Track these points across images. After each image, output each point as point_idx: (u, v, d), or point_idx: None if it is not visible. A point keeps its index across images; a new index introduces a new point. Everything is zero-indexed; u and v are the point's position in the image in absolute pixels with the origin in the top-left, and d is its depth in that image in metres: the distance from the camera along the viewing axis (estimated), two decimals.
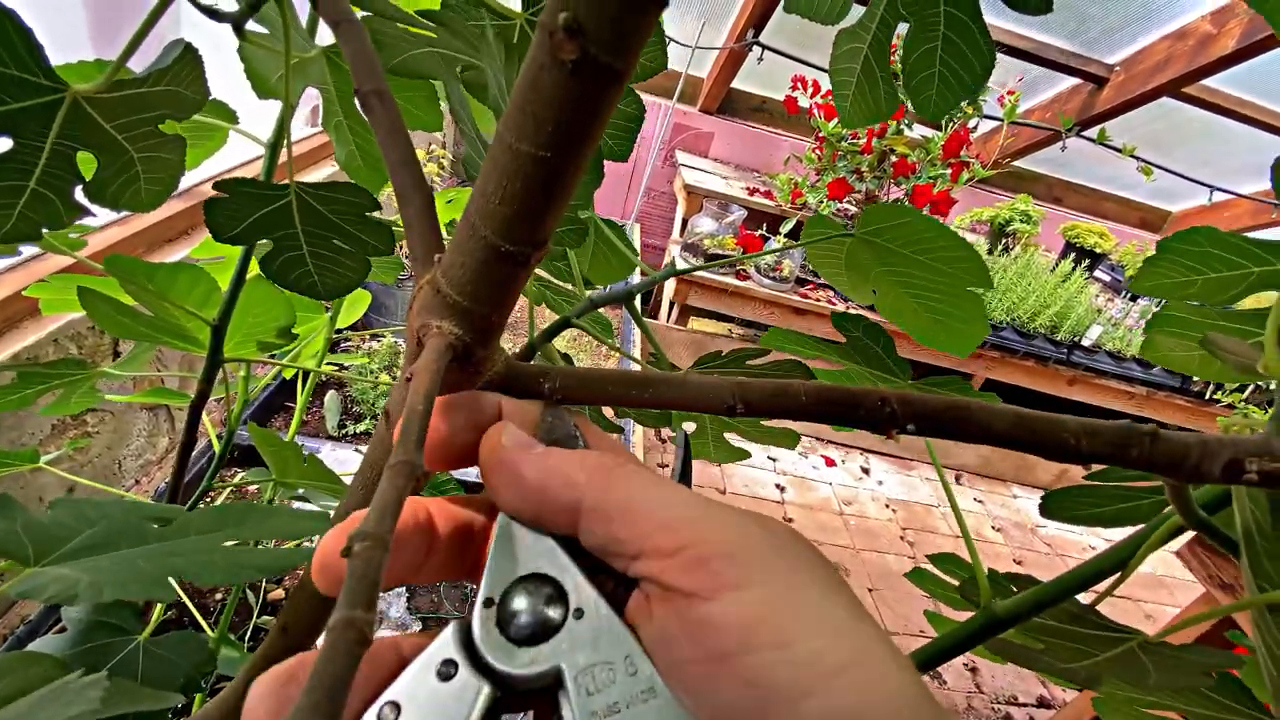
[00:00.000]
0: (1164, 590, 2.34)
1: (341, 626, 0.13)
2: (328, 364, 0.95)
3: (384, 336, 1.59)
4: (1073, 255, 2.67)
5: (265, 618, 0.96)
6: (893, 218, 0.35)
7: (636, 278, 0.47)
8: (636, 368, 0.30)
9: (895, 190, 2.42)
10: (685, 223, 2.68)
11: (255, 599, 0.96)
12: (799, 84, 2.42)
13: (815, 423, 0.22)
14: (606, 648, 0.17)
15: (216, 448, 0.68)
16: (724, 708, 0.15)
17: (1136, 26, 2.27)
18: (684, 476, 0.25)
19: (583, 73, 0.16)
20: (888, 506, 2.38)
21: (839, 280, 0.39)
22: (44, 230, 0.40)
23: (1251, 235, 0.28)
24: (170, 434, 1.15)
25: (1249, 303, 0.29)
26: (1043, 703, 1.79)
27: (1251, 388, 2.22)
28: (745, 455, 0.57)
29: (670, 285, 2.57)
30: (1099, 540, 2.53)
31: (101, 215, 1.00)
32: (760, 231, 2.50)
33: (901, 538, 2.25)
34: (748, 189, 2.74)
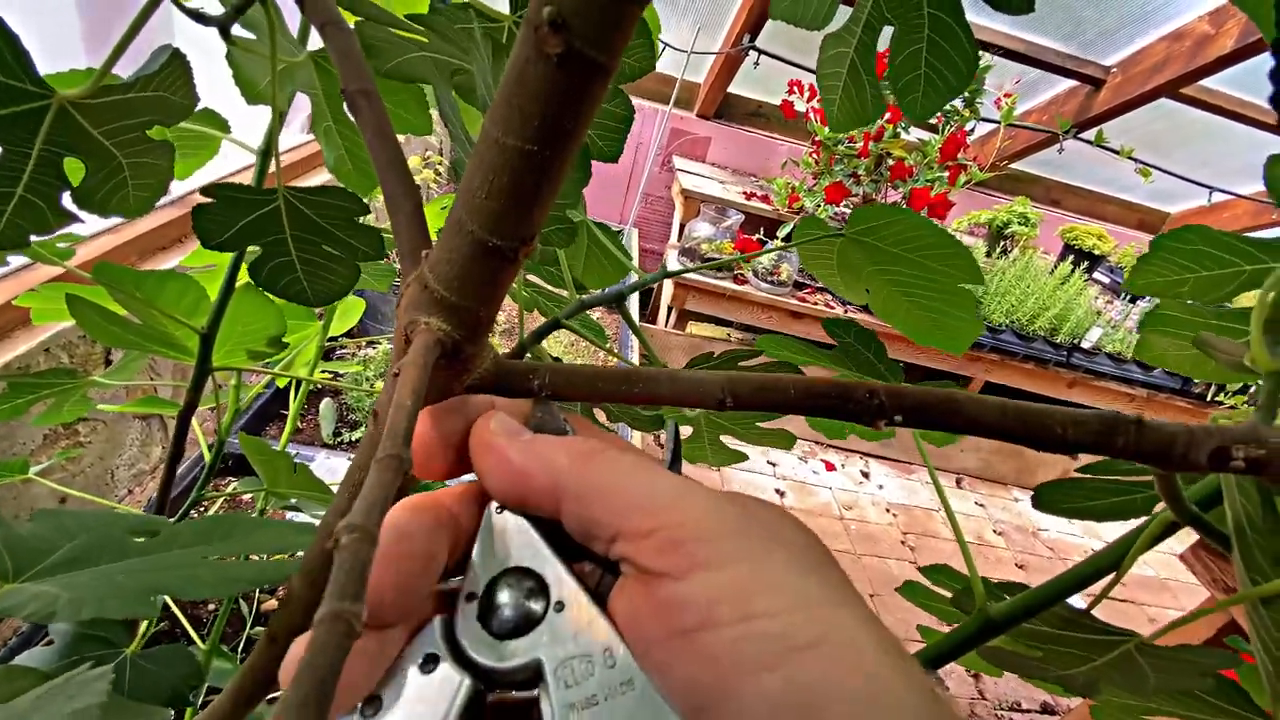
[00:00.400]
0: (1167, 594, 2.32)
1: (330, 619, 0.13)
2: (322, 372, 0.94)
3: (380, 344, 1.58)
4: (1071, 257, 2.66)
5: (259, 629, 0.96)
6: (882, 217, 0.35)
7: (633, 280, 0.47)
8: None
9: (893, 194, 2.42)
10: (683, 228, 2.68)
11: (248, 610, 0.95)
12: (795, 88, 2.42)
13: (804, 415, 0.21)
14: (586, 640, 0.17)
15: (207, 457, 0.67)
16: (687, 684, 0.15)
17: (1133, 28, 2.27)
18: (673, 467, 0.24)
19: (568, 66, 0.16)
20: (888, 511, 2.37)
21: (832, 281, 0.39)
22: (31, 237, 0.39)
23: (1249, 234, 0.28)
24: (164, 443, 1.14)
25: (1244, 300, 0.29)
26: (1046, 709, 1.77)
27: (1253, 389, 2.21)
28: (742, 458, 0.57)
29: (668, 290, 2.57)
30: (1101, 543, 2.51)
31: (94, 223, 0.99)
32: (758, 236, 2.50)
33: (902, 542, 2.24)
34: (745, 193, 2.74)
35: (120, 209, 0.46)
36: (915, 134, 2.49)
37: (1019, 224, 2.72)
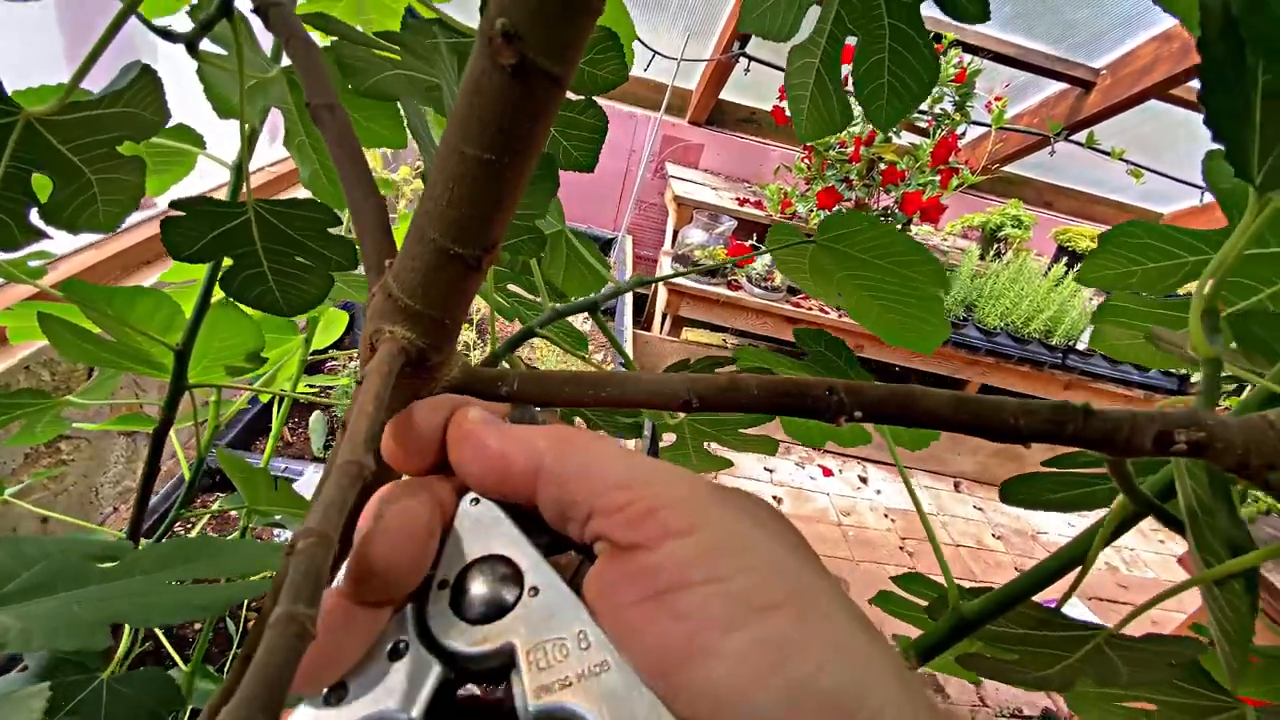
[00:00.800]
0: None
1: (284, 621, 0.13)
2: (309, 386, 0.93)
3: None
4: (1065, 259, 2.66)
5: (244, 644, 0.94)
6: (849, 225, 0.36)
7: (608, 288, 0.46)
8: None
9: (885, 198, 2.43)
10: (676, 234, 2.68)
11: (235, 628, 0.94)
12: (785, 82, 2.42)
13: (768, 414, 0.22)
14: (560, 624, 0.17)
15: (187, 475, 0.66)
16: (655, 645, 0.15)
17: (1122, 30, 2.28)
18: None
19: (522, 77, 0.16)
20: (886, 516, 2.36)
21: (806, 285, 0.40)
22: None
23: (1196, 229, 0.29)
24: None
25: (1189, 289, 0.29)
26: (1048, 714, 1.76)
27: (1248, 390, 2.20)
28: (726, 464, 0.56)
29: (662, 297, 2.57)
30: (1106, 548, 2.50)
31: (76, 239, 0.99)
32: (751, 241, 2.49)
33: (901, 548, 2.22)
34: (738, 199, 2.74)
35: (89, 225, 0.45)
36: (907, 138, 2.49)
37: (1012, 226, 2.72)
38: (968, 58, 2.25)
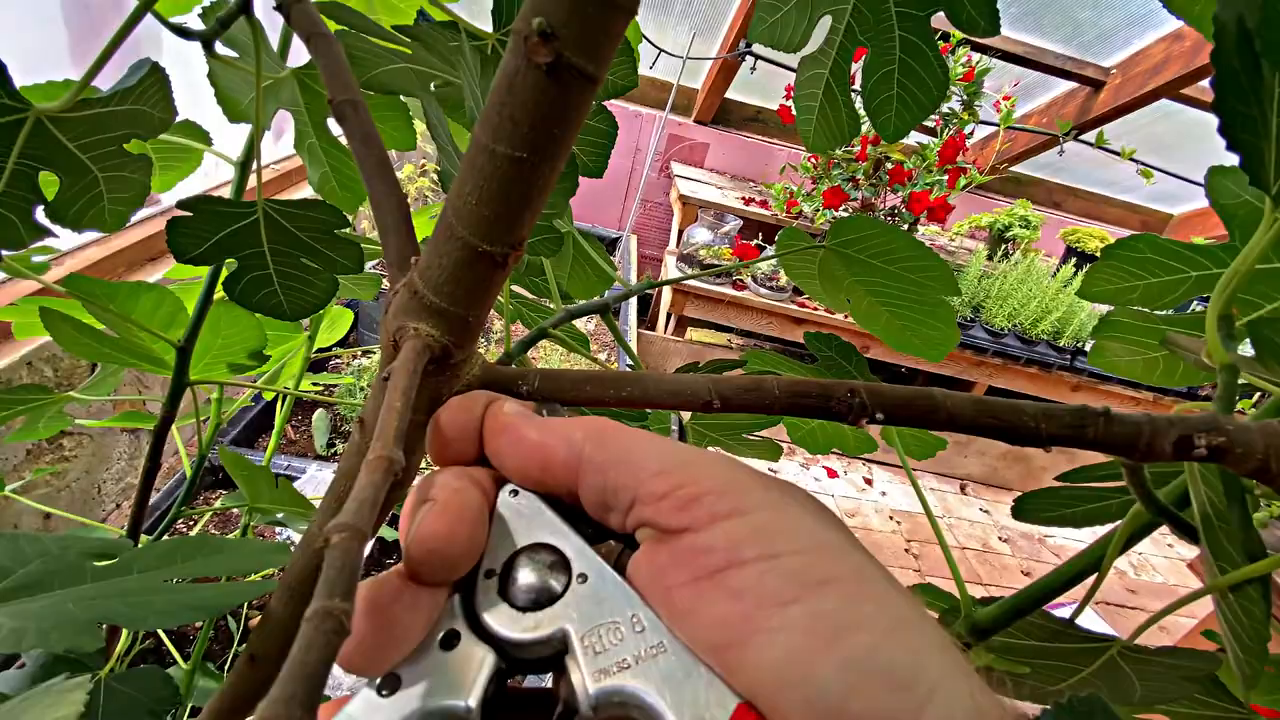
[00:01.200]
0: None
1: (320, 616, 0.13)
2: (312, 383, 0.93)
3: (374, 353, 1.58)
4: (1074, 260, 2.64)
5: (247, 644, 0.94)
6: (861, 229, 0.36)
7: (619, 290, 0.46)
8: None
9: (891, 197, 2.41)
10: (681, 233, 2.67)
11: (236, 625, 0.94)
12: (792, 93, 2.42)
13: (789, 415, 0.22)
14: (612, 608, 0.17)
15: (188, 473, 0.66)
16: (714, 623, 0.16)
17: (1132, 29, 2.26)
18: None
19: (556, 75, 0.16)
20: (891, 518, 2.35)
21: (813, 289, 0.39)
22: (2, 253, 0.39)
23: (1199, 242, 0.29)
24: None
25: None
26: None
27: (1257, 395, 2.18)
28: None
29: (667, 296, 2.56)
30: None
31: (82, 235, 0.99)
32: (756, 241, 2.49)
33: (906, 550, 2.21)
34: (743, 199, 2.73)
35: (95, 224, 0.45)
36: (914, 138, 2.48)
37: (1020, 227, 2.70)
38: (976, 56, 2.24)
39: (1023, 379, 2.48)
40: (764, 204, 2.71)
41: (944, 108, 2.29)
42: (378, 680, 0.16)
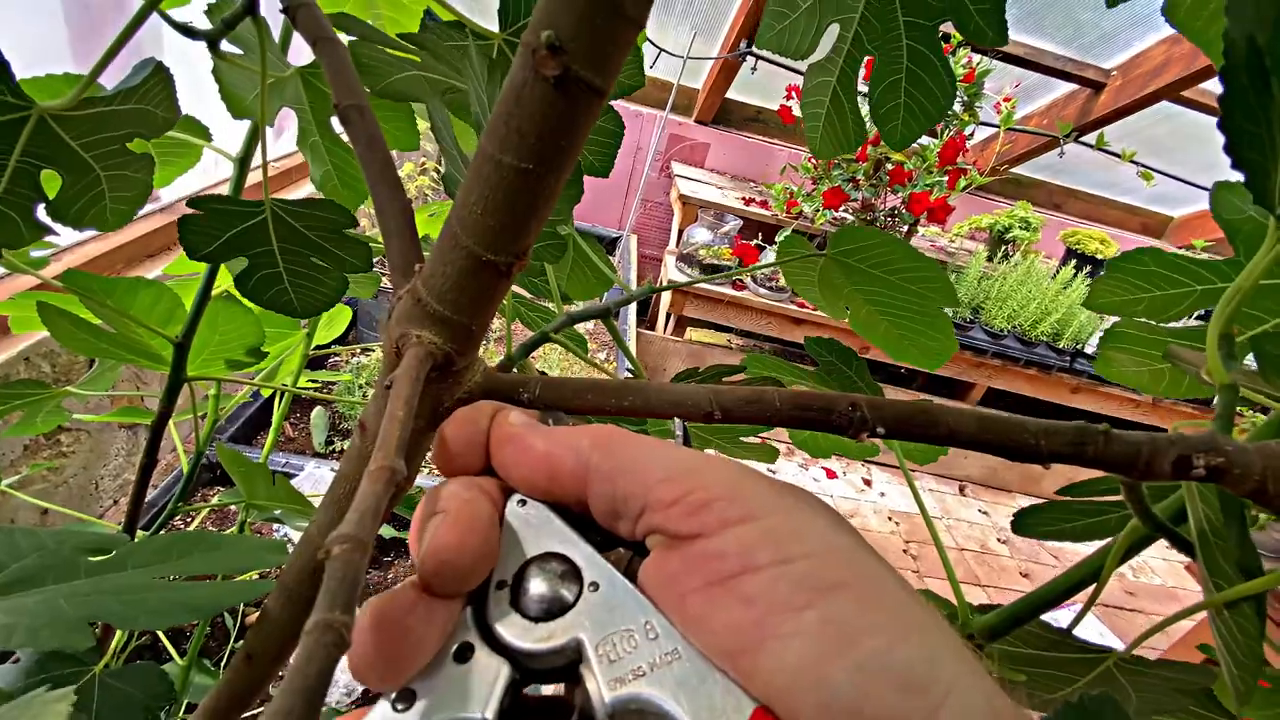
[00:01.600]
0: (1175, 603, 2.29)
1: (320, 629, 0.13)
2: (310, 381, 0.93)
3: (373, 351, 1.57)
4: (1074, 262, 2.64)
5: (243, 642, 0.94)
6: (862, 239, 0.36)
7: (621, 295, 0.46)
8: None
9: (892, 198, 2.41)
10: (681, 233, 2.67)
11: (232, 622, 0.94)
12: (793, 93, 2.41)
13: (790, 427, 0.22)
14: (624, 616, 0.17)
15: (185, 469, 0.66)
16: (726, 629, 0.16)
17: (1133, 31, 2.26)
18: None
19: (564, 88, 0.16)
20: (890, 519, 2.35)
21: (813, 297, 0.39)
22: (2, 250, 0.39)
23: (1199, 245, 0.29)
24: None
25: None
26: None
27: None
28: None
29: (666, 296, 2.56)
30: None
31: (78, 230, 0.98)
32: (756, 241, 2.48)
33: (905, 551, 2.21)
34: (743, 199, 2.73)
35: (96, 222, 0.45)
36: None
37: (1020, 228, 2.70)
38: (976, 58, 2.23)
39: (1022, 380, 2.48)
40: (764, 204, 2.71)
41: None
42: (393, 694, 0.16)
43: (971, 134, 2.40)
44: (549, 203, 0.19)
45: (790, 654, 0.15)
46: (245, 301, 0.50)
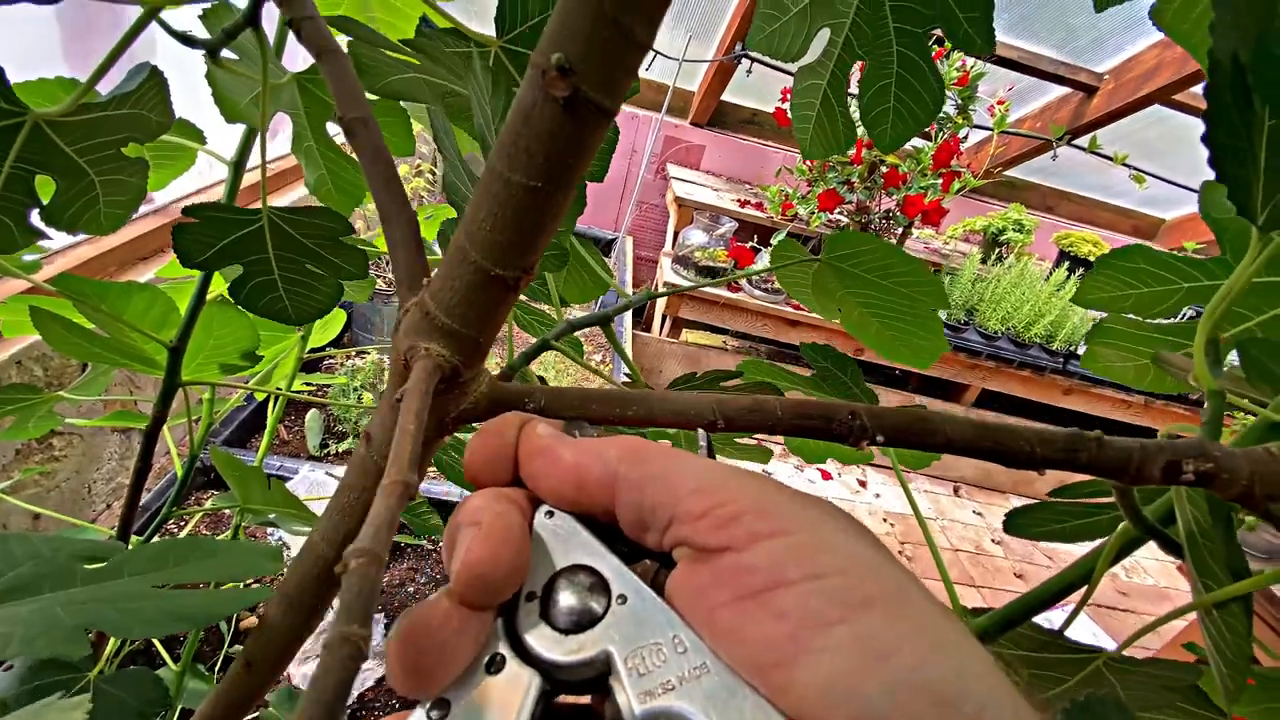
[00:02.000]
0: (1167, 603, 2.31)
1: (338, 642, 0.13)
2: (305, 384, 0.93)
3: (369, 354, 1.57)
4: (1067, 264, 2.66)
5: (238, 647, 0.94)
6: (856, 244, 0.36)
7: (619, 301, 0.46)
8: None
9: (886, 200, 2.42)
10: (677, 235, 2.67)
11: (226, 627, 0.93)
12: (789, 96, 2.42)
13: (790, 435, 0.22)
14: (653, 629, 0.17)
15: (179, 473, 0.66)
16: (758, 643, 0.16)
17: (1125, 35, 2.28)
18: None
19: (573, 109, 0.17)
20: (885, 520, 2.36)
21: (806, 299, 0.40)
22: None
23: (1190, 247, 0.29)
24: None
25: None
26: None
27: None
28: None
29: (662, 298, 2.56)
30: None
31: (72, 235, 0.98)
32: (751, 243, 2.49)
33: (900, 552, 2.22)
34: (739, 201, 2.73)
35: (89, 227, 0.45)
36: (909, 141, 2.48)
37: (1014, 230, 2.71)
38: (970, 61, 2.25)
39: (1016, 382, 2.49)
40: (759, 206, 2.72)
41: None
42: (429, 704, 0.16)
43: (965, 137, 2.42)
44: (556, 219, 0.19)
45: (822, 670, 0.15)
46: (246, 310, 0.50)
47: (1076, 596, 0.32)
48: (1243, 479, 0.17)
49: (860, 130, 0.36)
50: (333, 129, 0.54)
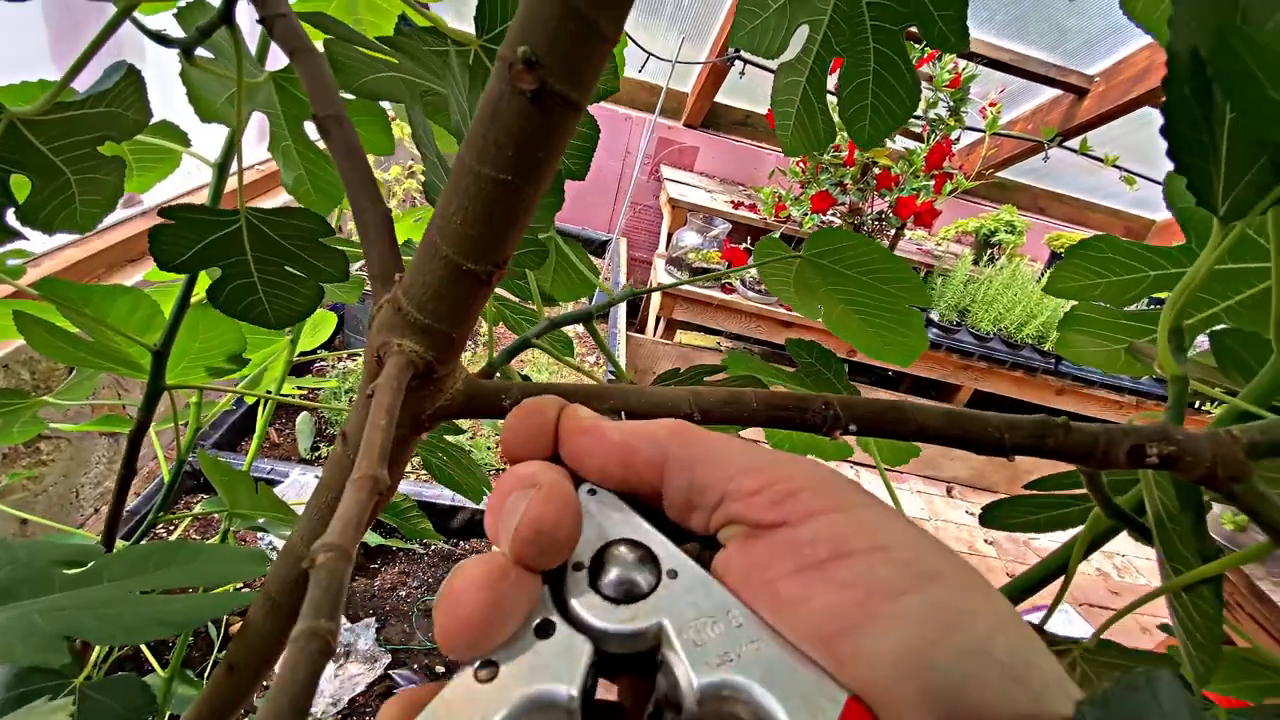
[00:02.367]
0: (1160, 602, 2.31)
1: (306, 636, 0.13)
2: (297, 387, 0.93)
3: (360, 356, 1.57)
4: (1058, 265, 2.67)
5: (225, 653, 0.93)
6: (837, 241, 0.37)
7: (603, 299, 0.47)
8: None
9: (879, 202, 2.43)
10: (670, 236, 2.68)
11: (216, 631, 0.93)
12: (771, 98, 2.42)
13: (766, 427, 0.23)
14: (706, 603, 0.17)
15: (166, 478, 0.65)
16: (819, 613, 0.15)
17: (1115, 37, 2.29)
18: None
19: (541, 102, 0.17)
20: None
21: (788, 297, 0.40)
22: None
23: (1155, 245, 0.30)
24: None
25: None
26: None
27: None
28: None
29: (656, 299, 2.56)
30: (1097, 554, 2.51)
31: (60, 235, 0.98)
32: (745, 244, 2.49)
33: None
34: (732, 202, 2.74)
35: (66, 225, 0.45)
36: (901, 143, 2.49)
37: (1006, 232, 2.73)
38: (962, 63, 2.26)
39: (1008, 382, 2.50)
40: (753, 208, 2.72)
41: (930, 114, 2.31)
42: (475, 664, 0.16)
43: (958, 139, 2.43)
44: (528, 213, 0.19)
45: (894, 637, 0.14)
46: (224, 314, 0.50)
47: (1072, 598, 0.32)
48: (1205, 461, 0.17)
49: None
50: (313, 131, 0.54)
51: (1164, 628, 0.36)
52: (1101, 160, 2.51)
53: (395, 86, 0.43)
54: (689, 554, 0.18)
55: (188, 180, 1.29)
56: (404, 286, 0.21)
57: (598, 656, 0.17)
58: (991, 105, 2.42)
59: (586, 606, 0.17)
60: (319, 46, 0.34)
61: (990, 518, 0.37)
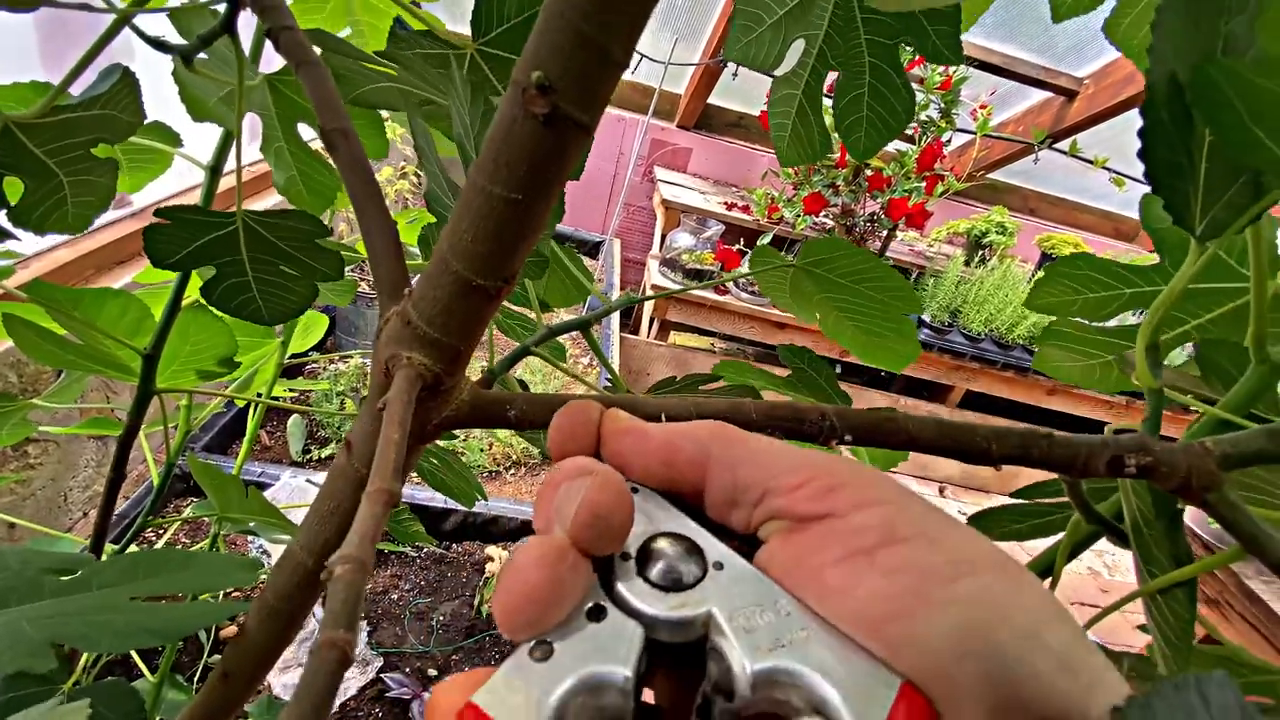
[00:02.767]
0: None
1: (325, 647, 0.13)
2: (288, 389, 0.92)
3: (352, 358, 1.56)
4: (1049, 266, 2.69)
5: (217, 656, 0.93)
6: (831, 250, 0.38)
7: (600, 307, 0.47)
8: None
9: (871, 203, 2.44)
10: (664, 238, 2.68)
11: (206, 637, 0.92)
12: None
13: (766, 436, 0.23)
14: (754, 593, 0.17)
15: (156, 481, 0.65)
16: (870, 598, 0.15)
17: (1104, 41, 2.30)
18: None
19: (553, 125, 0.17)
20: None
21: (785, 304, 0.41)
22: None
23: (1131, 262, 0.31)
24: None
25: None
26: None
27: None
28: None
29: (650, 301, 2.56)
30: (1088, 552, 2.53)
31: (50, 236, 0.97)
32: (738, 246, 2.50)
33: None
34: (726, 204, 2.75)
35: (57, 226, 0.45)
36: (893, 145, 2.51)
37: (997, 233, 2.74)
38: (953, 66, 2.27)
39: (1000, 383, 2.52)
40: (746, 209, 2.73)
41: (922, 115, 2.32)
42: (529, 645, 0.16)
43: (949, 140, 2.44)
44: (537, 230, 0.20)
45: (949, 620, 0.14)
46: (216, 310, 0.49)
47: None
48: (1180, 472, 0.18)
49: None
50: (305, 131, 0.54)
51: (1143, 628, 0.37)
52: (1091, 162, 2.53)
53: (393, 96, 0.44)
54: (732, 549, 0.19)
55: (179, 180, 1.28)
56: (413, 300, 0.22)
57: (647, 644, 0.17)
58: (982, 107, 2.44)
59: (636, 594, 0.17)
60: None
61: (977, 528, 0.38)
